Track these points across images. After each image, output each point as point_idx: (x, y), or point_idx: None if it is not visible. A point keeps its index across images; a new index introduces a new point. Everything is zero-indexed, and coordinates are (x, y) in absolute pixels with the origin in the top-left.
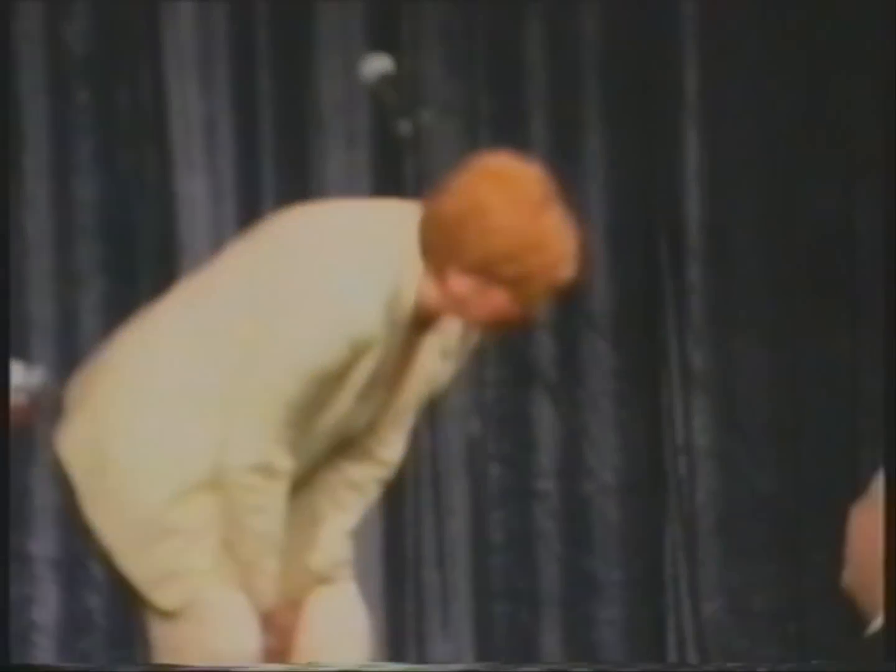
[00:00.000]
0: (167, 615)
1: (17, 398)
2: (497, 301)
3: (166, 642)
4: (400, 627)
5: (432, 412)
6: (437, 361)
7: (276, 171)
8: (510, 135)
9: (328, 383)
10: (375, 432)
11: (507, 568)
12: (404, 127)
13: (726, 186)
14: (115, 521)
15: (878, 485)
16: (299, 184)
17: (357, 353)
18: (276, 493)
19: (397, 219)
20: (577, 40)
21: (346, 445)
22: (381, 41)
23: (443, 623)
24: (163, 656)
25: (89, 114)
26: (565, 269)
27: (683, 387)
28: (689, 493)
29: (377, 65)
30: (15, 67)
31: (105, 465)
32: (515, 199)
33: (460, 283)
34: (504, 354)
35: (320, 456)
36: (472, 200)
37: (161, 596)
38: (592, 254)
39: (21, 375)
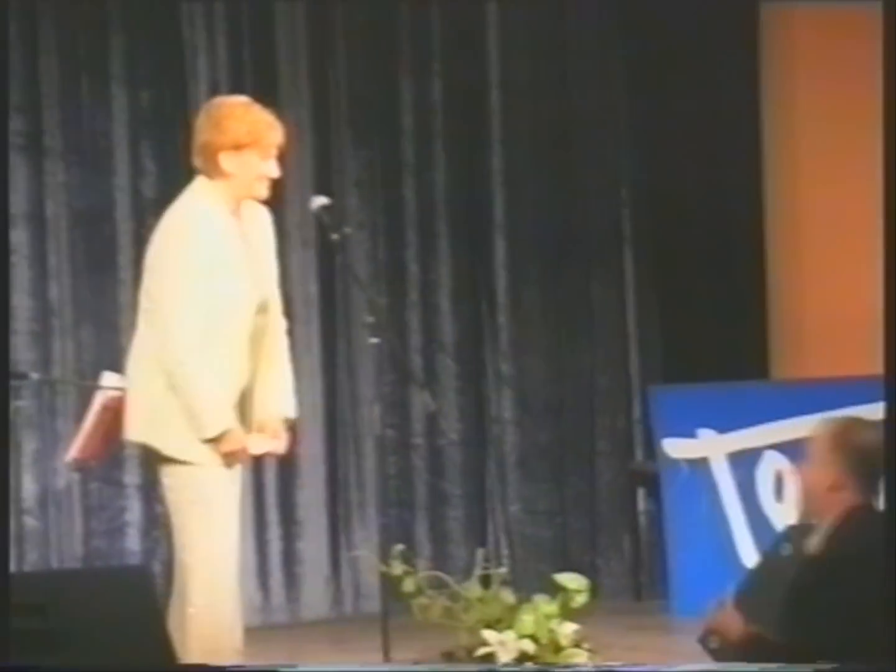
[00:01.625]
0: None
1: (112, 397)
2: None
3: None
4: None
5: (353, 401)
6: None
7: None
8: (397, 243)
9: None
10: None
11: (397, 487)
12: (334, 236)
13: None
14: None
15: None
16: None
17: None
18: None
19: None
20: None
21: None
22: (321, 185)
23: (360, 520)
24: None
25: None
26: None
27: (496, 383)
28: (500, 444)
29: (319, 200)
30: None
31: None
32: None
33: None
34: (393, 367)
35: None
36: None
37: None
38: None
39: (115, 380)
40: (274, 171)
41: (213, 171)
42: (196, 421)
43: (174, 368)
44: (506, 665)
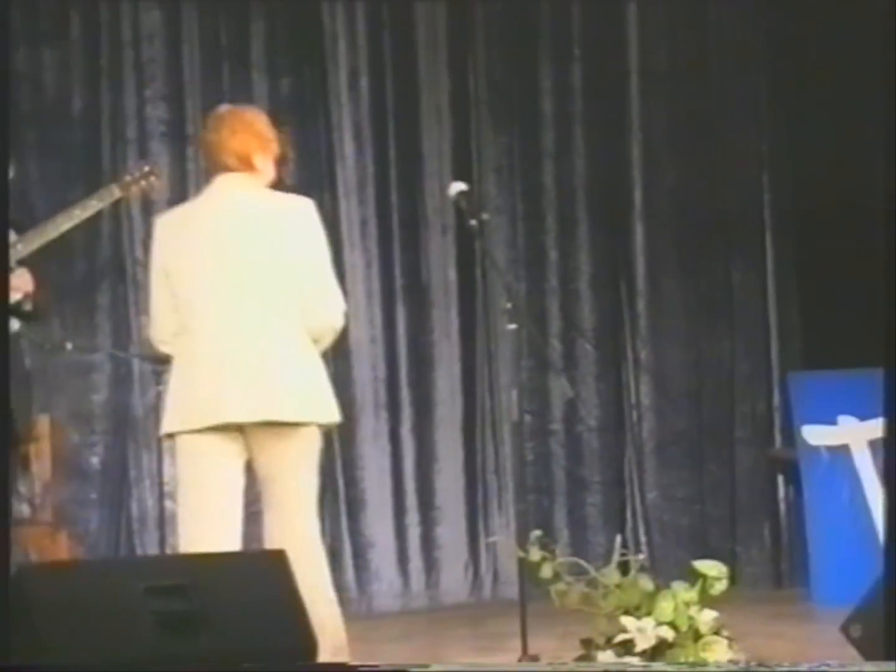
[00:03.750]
0: None
1: None
2: None
3: None
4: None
5: (491, 386)
6: None
7: (402, 251)
8: (536, 228)
9: None
10: None
11: (535, 473)
12: (473, 222)
13: (663, 255)
14: None
15: None
16: (415, 258)
17: None
18: None
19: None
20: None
21: None
22: (460, 172)
23: (498, 506)
24: None
25: None
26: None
27: (635, 370)
28: (639, 431)
29: (457, 186)
30: None
31: None
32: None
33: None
34: (532, 353)
35: None
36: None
37: None
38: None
39: None
40: (275, 174)
41: (247, 168)
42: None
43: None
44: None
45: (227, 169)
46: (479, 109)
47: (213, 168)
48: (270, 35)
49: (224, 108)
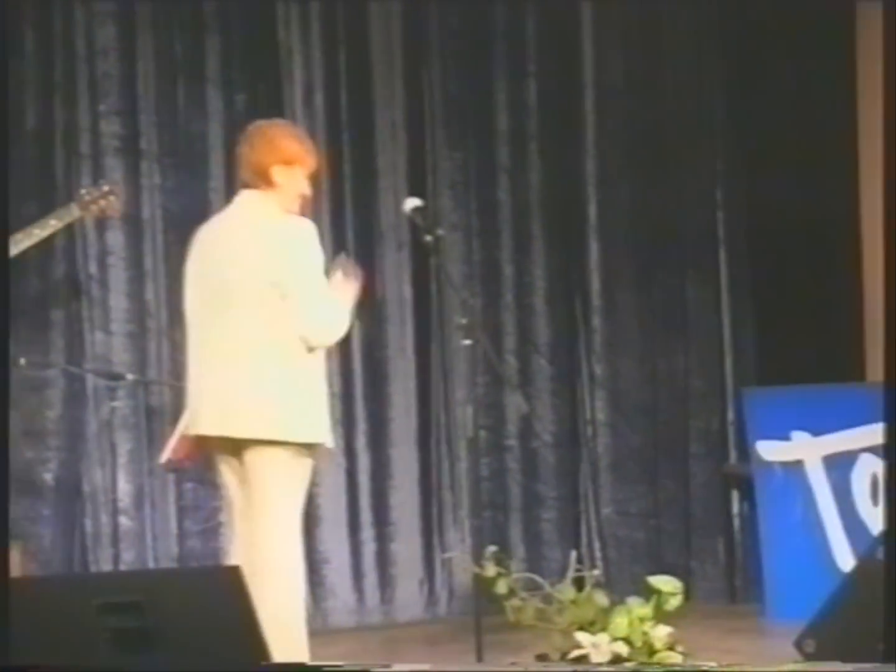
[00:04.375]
0: None
1: None
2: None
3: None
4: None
5: (446, 402)
6: None
7: (357, 266)
8: (492, 244)
9: None
10: None
11: (490, 489)
12: (428, 238)
13: (618, 271)
14: None
15: None
16: (370, 274)
17: None
18: None
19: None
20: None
21: None
22: (415, 187)
23: (453, 522)
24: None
25: None
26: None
27: (590, 385)
28: (594, 446)
29: (412, 202)
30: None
31: None
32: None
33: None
34: (487, 369)
35: None
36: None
37: None
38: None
39: None
40: (308, 189)
41: (264, 184)
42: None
43: None
44: (598, 666)
45: (244, 185)
46: (434, 125)
47: (239, 183)
48: (225, 50)
49: (254, 123)
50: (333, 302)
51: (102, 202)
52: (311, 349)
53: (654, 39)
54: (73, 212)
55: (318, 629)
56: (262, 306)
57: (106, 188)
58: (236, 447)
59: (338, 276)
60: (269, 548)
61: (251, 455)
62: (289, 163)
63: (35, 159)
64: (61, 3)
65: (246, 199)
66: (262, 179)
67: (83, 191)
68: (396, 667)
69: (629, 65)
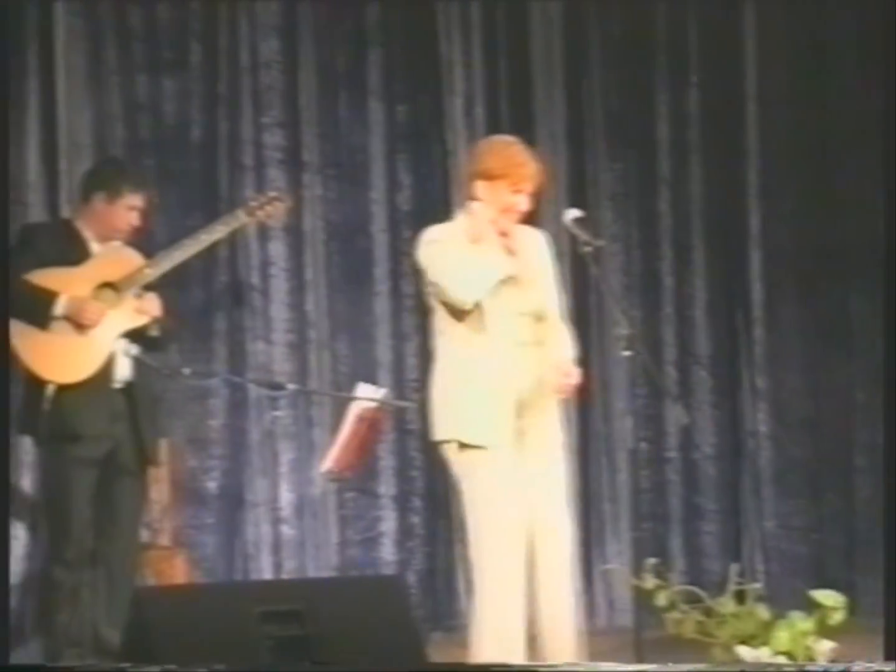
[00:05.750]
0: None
1: (368, 408)
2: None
3: None
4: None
5: (606, 413)
6: None
7: None
8: (652, 255)
9: None
10: None
11: (650, 501)
12: (588, 249)
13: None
14: None
15: None
16: None
17: None
18: None
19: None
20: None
21: None
22: (575, 198)
23: (613, 533)
24: None
25: None
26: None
27: (752, 397)
28: (756, 459)
29: (573, 213)
30: None
31: None
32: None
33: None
34: (647, 380)
35: None
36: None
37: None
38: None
39: (370, 392)
40: (522, 204)
41: (471, 197)
42: None
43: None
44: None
45: (468, 197)
46: (594, 136)
47: None
48: (387, 62)
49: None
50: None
51: (269, 208)
52: None
53: (818, 48)
54: (240, 217)
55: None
56: None
57: (272, 194)
58: None
59: None
60: None
61: None
62: (490, 178)
63: (199, 171)
64: (227, 16)
65: (465, 210)
66: (469, 193)
67: (250, 197)
68: (560, 665)
69: (792, 74)
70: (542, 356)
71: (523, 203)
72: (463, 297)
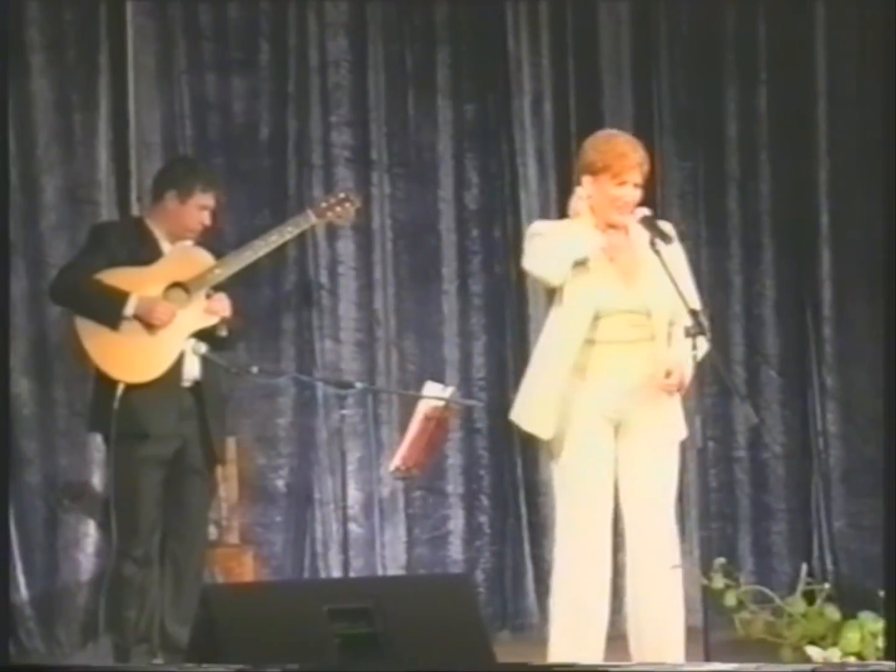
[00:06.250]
0: None
1: (435, 407)
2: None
3: None
4: None
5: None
6: None
7: None
8: (721, 254)
9: None
10: None
11: (719, 500)
12: (657, 247)
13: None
14: None
15: None
16: None
17: None
18: None
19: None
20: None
21: None
22: (644, 197)
23: (681, 532)
24: None
25: None
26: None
27: (821, 396)
28: (825, 458)
29: (641, 211)
30: None
31: None
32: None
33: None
34: (715, 379)
35: None
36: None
37: None
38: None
39: (438, 391)
40: (628, 195)
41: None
42: None
43: None
44: None
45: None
46: (662, 134)
47: None
48: (455, 60)
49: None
50: None
51: (339, 209)
52: None
53: (890, 45)
54: (311, 218)
55: (546, 638)
56: None
57: (342, 195)
58: None
59: None
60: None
61: None
62: (593, 172)
63: (268, 170)
64: (295, 15)
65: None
66: (589, 184)
67: (320, 198)
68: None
69: (862, 72)
70: (650, 353)
71: (629, 195)
72: (543, 273)
